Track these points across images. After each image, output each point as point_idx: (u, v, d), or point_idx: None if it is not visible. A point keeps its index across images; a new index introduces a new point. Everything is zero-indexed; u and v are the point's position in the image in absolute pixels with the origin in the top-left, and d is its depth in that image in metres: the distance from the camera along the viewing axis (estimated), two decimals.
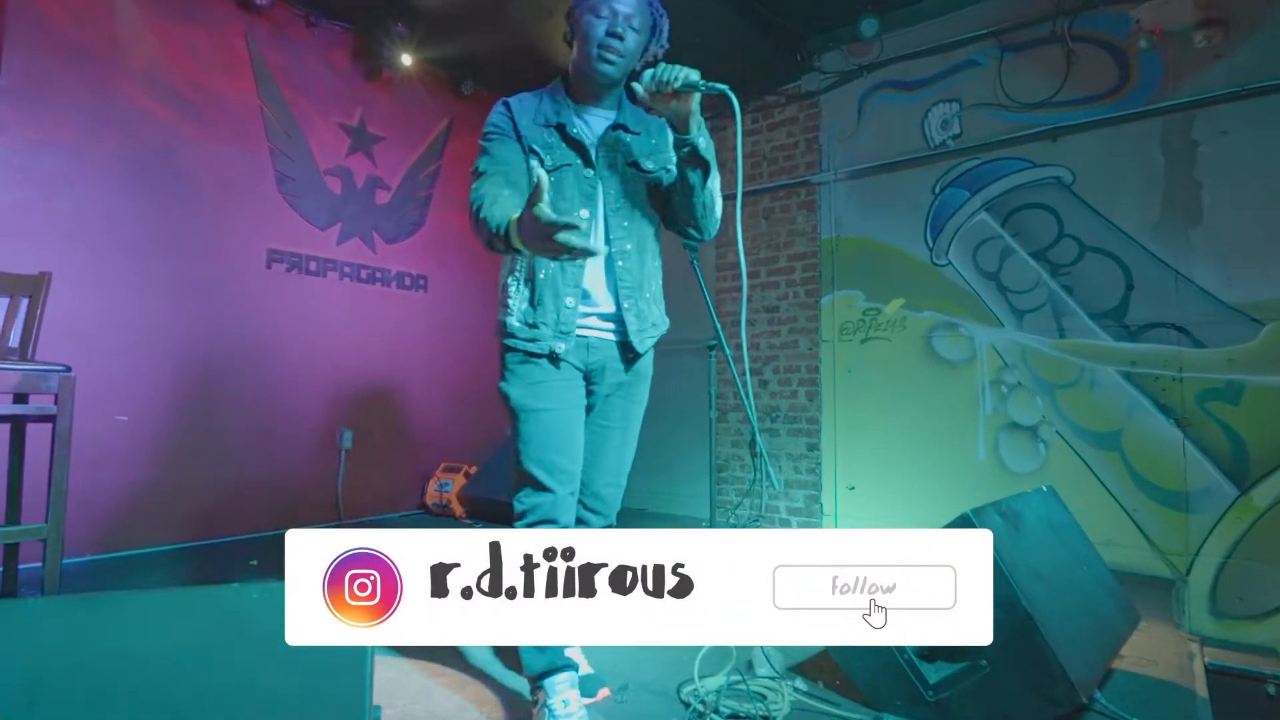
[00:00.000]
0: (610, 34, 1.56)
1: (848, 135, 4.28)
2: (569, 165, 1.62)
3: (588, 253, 1.27)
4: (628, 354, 1.72)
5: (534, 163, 1.59)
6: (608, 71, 1.60)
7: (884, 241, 4.12)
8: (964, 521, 1.70)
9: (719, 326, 2.68)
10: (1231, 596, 3.04)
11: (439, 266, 4.77)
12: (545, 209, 1.24)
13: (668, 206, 1.71)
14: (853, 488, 4.13)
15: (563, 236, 1.23)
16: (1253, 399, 3.07)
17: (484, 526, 4.17)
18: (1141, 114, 3.39)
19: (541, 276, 1.62)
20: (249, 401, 3.78)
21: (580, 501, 1.74)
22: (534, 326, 1.62)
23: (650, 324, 1.74)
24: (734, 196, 1.61)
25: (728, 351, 2.61)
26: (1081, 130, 3.53)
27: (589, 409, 1.74)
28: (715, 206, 1.68)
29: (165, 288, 3.50)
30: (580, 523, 1.77)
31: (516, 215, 1.37)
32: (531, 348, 1.62)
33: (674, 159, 1.63)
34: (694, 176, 1.59)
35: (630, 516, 4.87)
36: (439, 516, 4.46)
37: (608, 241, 1.64)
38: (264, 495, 3.82)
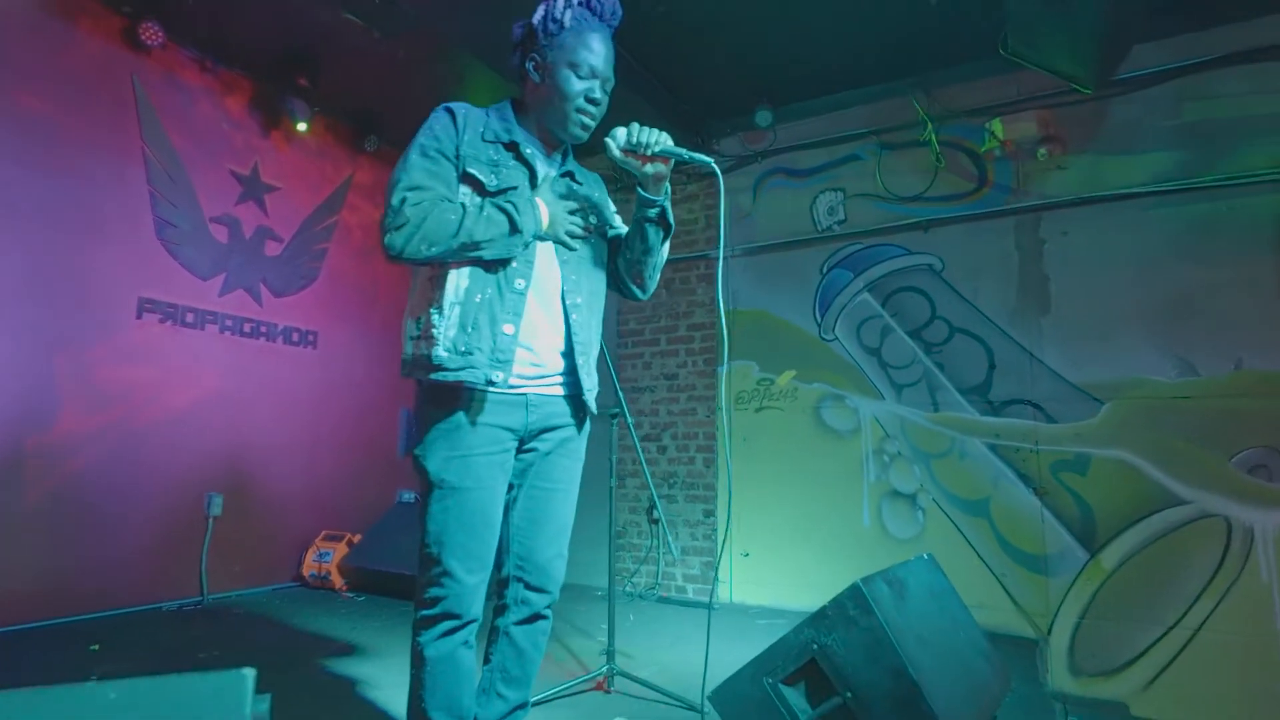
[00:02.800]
0: (589, 99, 1.51)
1: (744, 215, 4.54)
2: (516, 189, 1.48)
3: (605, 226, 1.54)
4: (576, 409, 1.60)
5: (466, 190, 1.47)
6: (581, 136, 1.54)
7: (777, 315, 4.35)
8: (854, 592, 1.77)
9: (621, 393, 2.71)
10: (1087, 654, 3.29)
11: (330, 322, 4.59)
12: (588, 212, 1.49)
13: (615, 263, 1.67)
14: (747, 554, 4.21)
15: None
16: (1097, 469, 3.41)
17: (366, 599, 3.92)
18: (998, 213, 3.80)
19: (477, 300, 1.44)
20: (108, 463, 3.43)
21: (518, 579, 1.56)
22: (466, 353, 1.41)
23: (596, 383, 1.64)
24: (717, 258, 1.66)
25: (629, 419, 2.63)
26: (948, 224, 3.92)
27: (525, 471, 1.56)
28: (661, 266, 1.68)
29: (22, 335, 3.17)
30: (523, 604, 1.58)
31: (537, 207, 1.46)
32: (464, 376, 1.41)
33: (612, 218, 1.68)
34: (655, 237, 1.58)
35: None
36: (316, 589, 4.15)
37: (561, 294, 1.54)
38: (119, 569, 3.44)
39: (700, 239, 4.68)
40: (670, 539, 2.42)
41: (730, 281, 4.53)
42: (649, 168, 1.47)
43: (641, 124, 1.47)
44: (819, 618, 1.79)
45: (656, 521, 4.43)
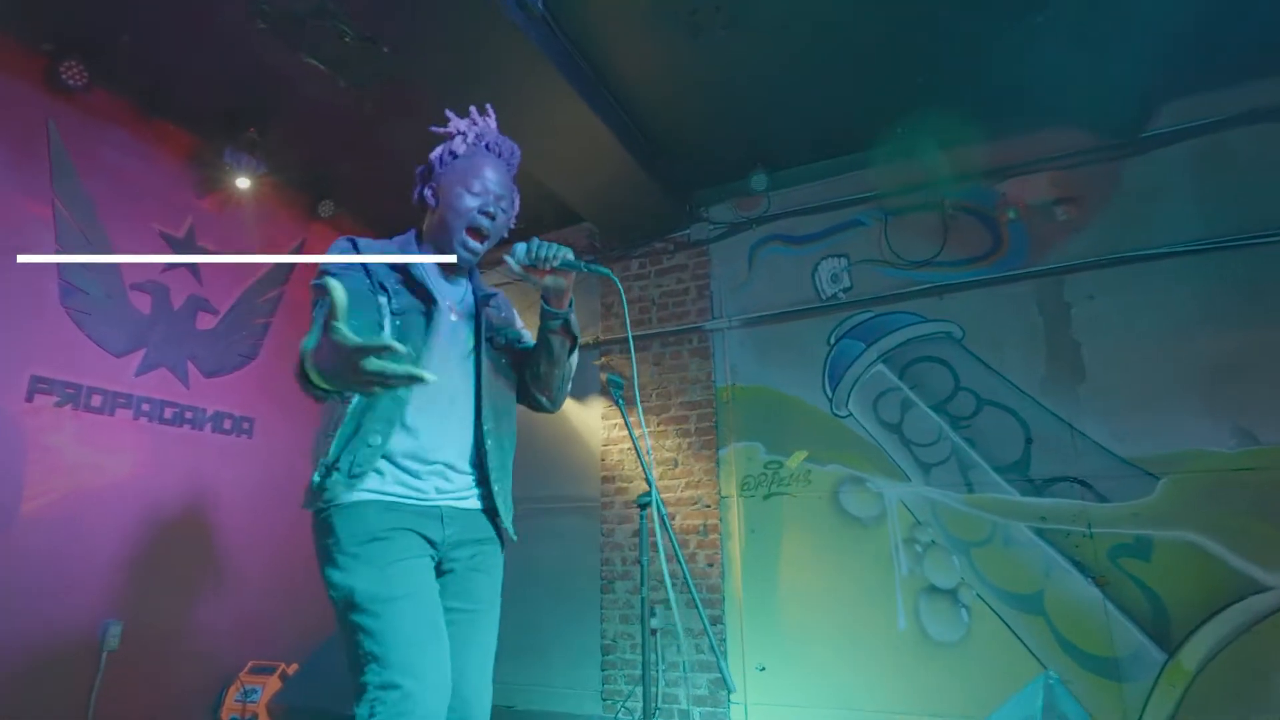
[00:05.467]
0: (482, 212, 1.53)
1: (739, 284, 4.21)
2: (413, 312, 1.48)
3: (413, 379, 1.09)
4: (493, 519, 1.54)
5: (384, 299, 1.45)
6: (468, 259, 1.55)
7: (782, 391, 3.95)
8: None
9: (653, 480, 2.22)
10: None
11: (270, 408, 3.95)
12: (344, 329, 1.05)
13: (523, 376, 1.66)
14: (763, 668, 3.62)
15: (374, 364, 1.06)
16: (1162, 554, 3.04)
17: None
18: (1016, 277, 3.57)
19: (368, 421, 1.41)
20: None
21: None
22: (355, 477, 1.36)
23: (510, 503, 1.59)
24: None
25: (661, 510, 2.13)
26: (964, 289, 3.66)
27: (443, 592, 1.43)
28: (570, 379, 1.67)
29: None
30: None
31: (313, 343, 1.21)
32: (380, 491, 1.37)
33: (520, 333, 1.68)
34: (560, 347, 1.57)
35: (496, 717, 3.96)
36: None
37: (475, 407, 1.52)
38: None
39: (691, 310, 4.31)
40: (725, 668, 1.90)
41: (728, 355, 4.14)
42: (549, 280, 1.49)
43: (541, 239, 1.48)
44: None
45: (655, 632, 3.81)
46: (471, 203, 1.53)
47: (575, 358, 1.65)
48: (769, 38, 3.16)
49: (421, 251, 1.58)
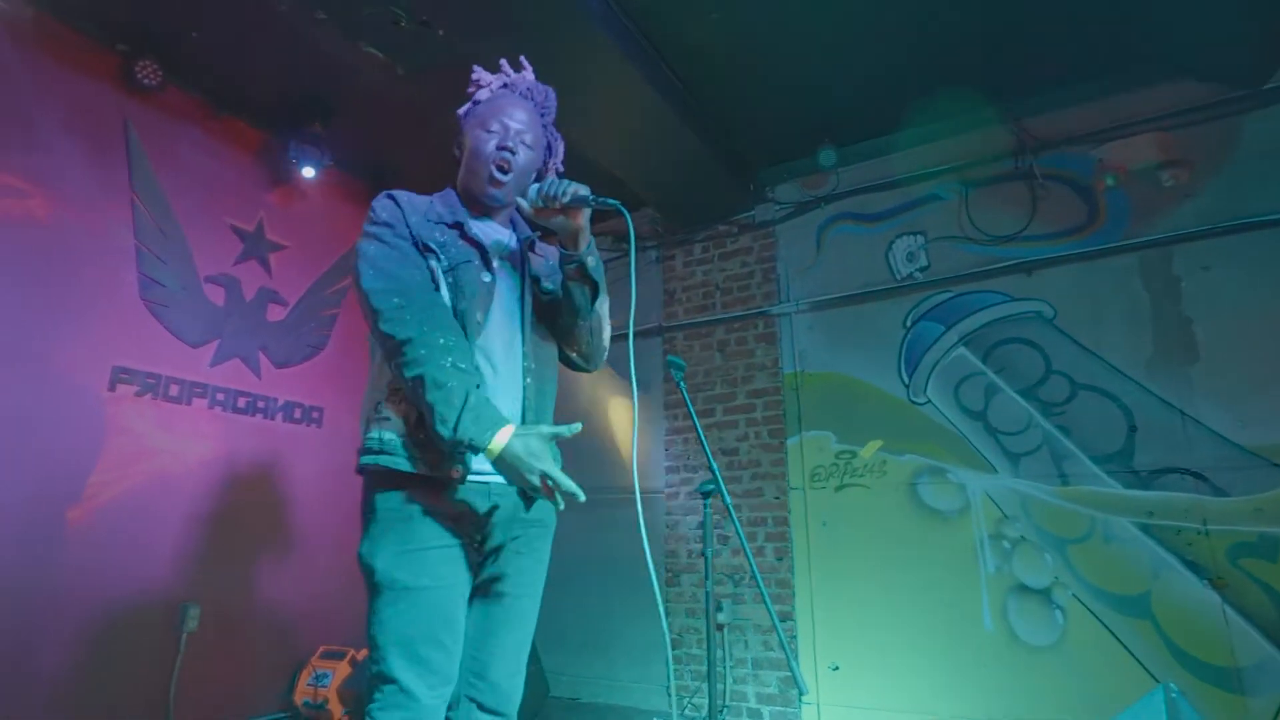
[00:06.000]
0: (500, 148, 1.45)
1: (807, 266, 4.02)
2: (468, 262, 1.40)
3: (575, 496, 1.21)
4: (543, 501, 1.42)
5: (433, 263, 1.38)
6: (496, 195, 1.46)
7: (854, 377, 3.75)
8: None
9: (716, 468, 2.10)
10: None
11: (338, 397, 4.01)
12: (559, 473, 1.22)
13: (553, 332, 1.55)
14: (837, 667, 3.44)
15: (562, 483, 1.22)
16: None
17: None
18: (1116, 249, 3.26)
19: None
20: (51, 568, 2.78)
21: (470, 699, 1.35)
22: (421, 444, 1.29)
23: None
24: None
25: (728, 499, 2.01)
26: (1056, 264, 3.38)
27: (483, 575, 1.39)
28: (603, 333, 1.56)
29: None
30: None
31: (502, 428, 1.23)
32: (419, 468, 1.28)
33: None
34: (580, 296, 1.46)
35: (559, 710, 3.93)
36: None
37: (522, 374, 1.43)
38: (60, 698, 2.72)
39: (757, 295, 4.15)
40: (796, 667, 1.79)
41: (796, 341, 3.96)
42: (558, 220, 1.40)
43: (559, 177, 1.43)
44: None
45: (722, 628, 3.68)
46: (490, 141, 1.46)
47: (604, 307, 1.53)
48: (833, 1, 2.96)
49: (463, 203, 1.50)
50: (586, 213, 1.40)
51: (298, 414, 3.81)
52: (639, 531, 1.29)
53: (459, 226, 1.44)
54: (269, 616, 3.50)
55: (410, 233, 1.38)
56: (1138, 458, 3.05)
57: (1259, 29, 2.73)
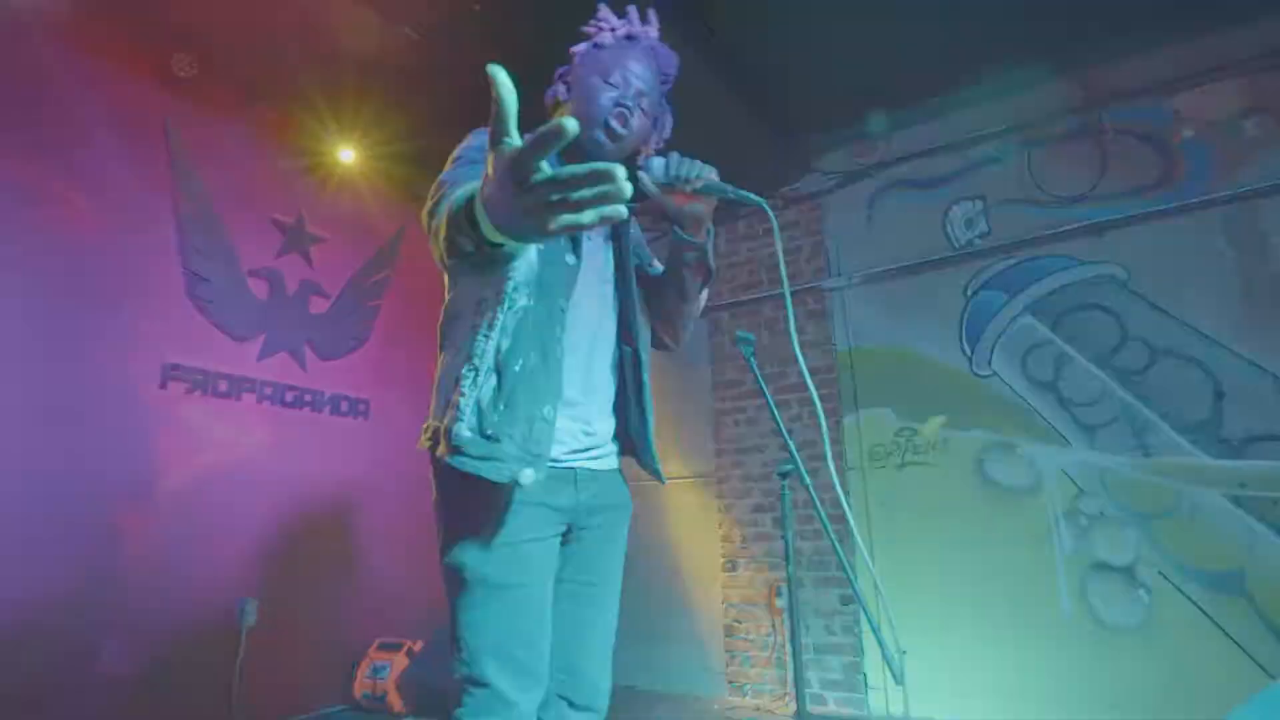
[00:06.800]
0: (619, 104, 1.30)
1: (858, 237, 3.87)
2: (555, 241, 1.25)
3: (620, 203, 0.74)
4: (625, 484, 1.39)
5: None
6: (607, 146, 1.30)
7: (912, 350, 3.60)
8: None
9: (794, 449, 2.00)
10: None
11: (385, 389, 3.97)
12: (513, 140, 0.79)
13: (647, 310, 1.46)
14: (904, 652, 3.32)
15: (569, 170, 0.74)
16: None
17: None
18: (1197, 205, 3.06)
19: (517, 368, 1.18)
20: (109, 564, 2.79)
21: (561, 697, 1.27)
22: (492, 439, 1.15)
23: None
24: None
25: (807, 480, 1.91)
26: (1129, 224, 3.18)
27: (566, 563, 1.31)
28: (696, 316, 1.47)
29: (25, 408, 2.61)
30: None
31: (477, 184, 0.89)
32: (484, 471, 1.14)
33: (651, 257, 1.49)
34: (693, 285, 1.37)
35: (616, 697, 3.87)
36: (371, 712, 3.38)
37: (616, 344, 1.36)
38: (127, 691, 2.74)
39: (806, 270, 4.01)
40: (884, 641, 1.70)
41: (849, 315, 3.81)
42: (689, 206, 1.27)
43: (683, 154, 1.26)
44: None
45: (781, 613, 3.59)
46: (608, 94, 1.30)
47: (705, 295, 1.44)
48: None
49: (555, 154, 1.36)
50: (713, 200, 1.28)
51: (345, 406, 3.78)
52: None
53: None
54: (325, 609, 3.49)
55: None
56: (1227, 426, 2.86)
57: None
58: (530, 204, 0.77)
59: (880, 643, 1.70)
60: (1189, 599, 2.81)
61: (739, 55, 3.34)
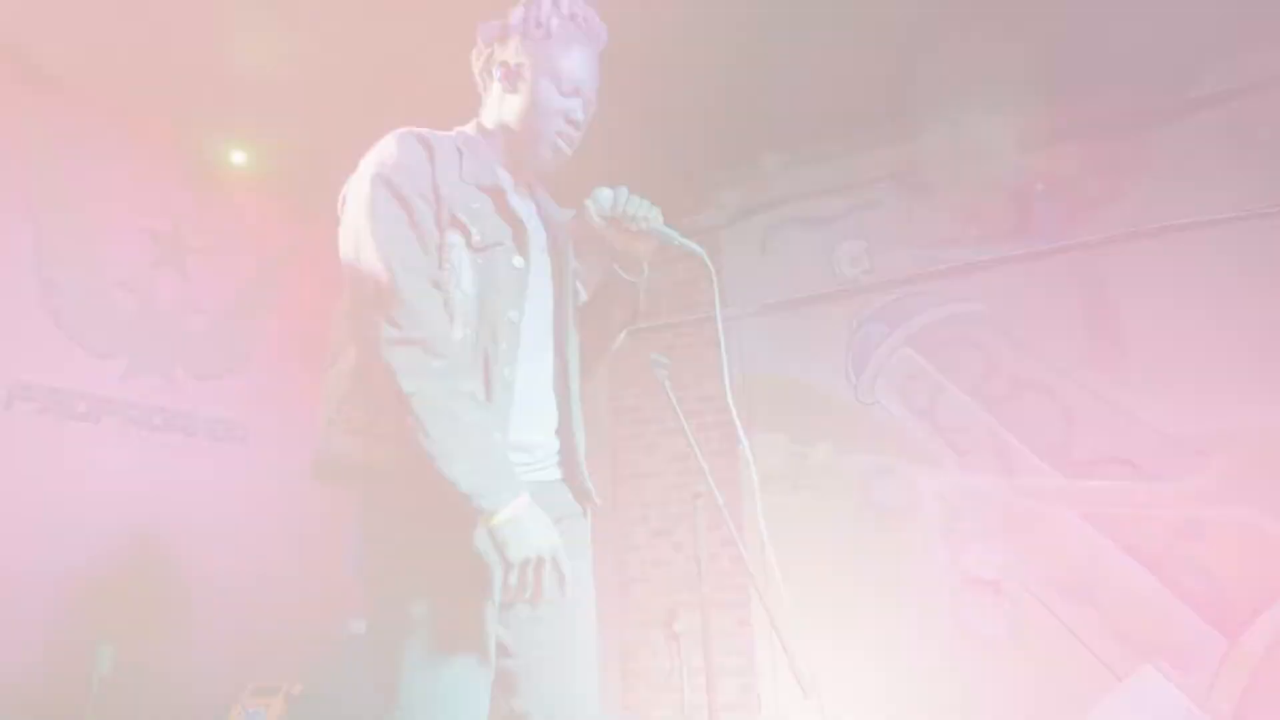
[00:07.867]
0: (569, 120, 1.22)
1: (753, 270, 4.04)
2: (500, 245, 1.15)
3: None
4: (577, 493, 1.26)
5: (457, 238, 1.10)
6: (547, 163, 1.25)
7: (803, 380, 3.78)
8: None
9: (707, 469, 2.06)
10: None
11: (264, 412, 3.73)
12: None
13: None
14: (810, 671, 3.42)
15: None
16: (1214, 535, 2.88)
17: None
18: (1048, 252, 3.41)
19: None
20: None
21: None
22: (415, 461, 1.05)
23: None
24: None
25: (720, 498, 1.97)
26: (991, 267, 3.50)
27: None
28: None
29: None
30: None
31: (514, 498, 1.00)
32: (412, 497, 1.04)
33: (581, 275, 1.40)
34: (617, 321, 1.33)
35: None
36: None
37: (554, 357, 1.26)
38: None
39: (703, 300, 4.14)
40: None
41: (744, 345, 3.96)
42: (630, 244, 1.22)
43: (631, 191, 1.20)
44: None
45: (678, 638, 3.61)
46: (560, 104, 1.19)
47: (623, 337, 1.38)
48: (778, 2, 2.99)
49: (486, 153, 1.23)
50: (653, 241, 1.23)
51: (221, 431, 3.53)
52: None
53: (499, 195, 1.18)
54: (192, 653, 3.20)
55: (436, 193, 1.10)
56: (1078, 449, 3.18)
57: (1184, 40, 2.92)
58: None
59: (792, 662, 1.76)
60: (1048, 609, 3.07)
61: (641, 85, 3.43)
